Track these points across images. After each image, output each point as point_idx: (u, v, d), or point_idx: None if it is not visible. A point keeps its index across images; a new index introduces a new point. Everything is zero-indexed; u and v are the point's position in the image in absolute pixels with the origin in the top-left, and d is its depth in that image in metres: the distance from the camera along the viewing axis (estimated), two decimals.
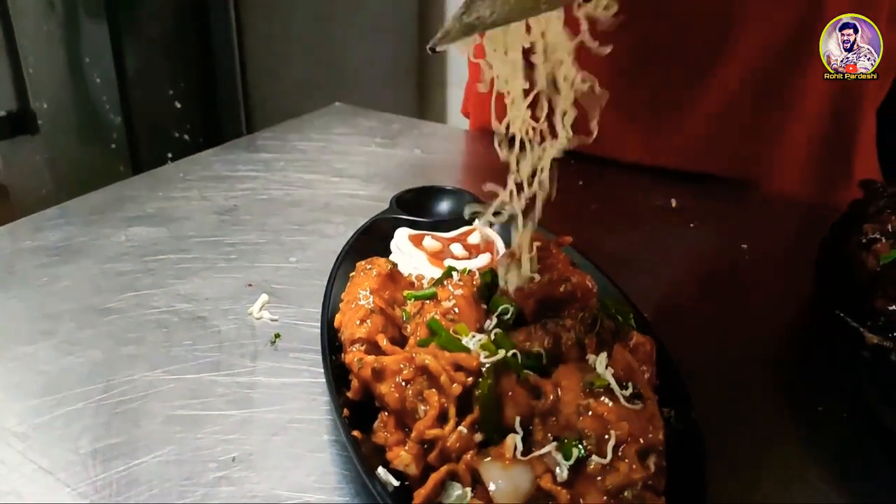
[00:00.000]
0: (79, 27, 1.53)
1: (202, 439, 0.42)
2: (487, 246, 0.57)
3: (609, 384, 0.36)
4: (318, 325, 0.52)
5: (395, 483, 0.36)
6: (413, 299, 0.46)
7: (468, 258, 0.55)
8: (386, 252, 0.57)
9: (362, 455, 0.36)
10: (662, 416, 0.37)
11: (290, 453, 0.41)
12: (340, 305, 0.46)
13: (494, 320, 0.44)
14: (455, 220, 0.60)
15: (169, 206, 0.70)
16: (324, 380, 0.46)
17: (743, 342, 0.53)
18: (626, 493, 0.32)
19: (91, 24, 1.50)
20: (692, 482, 0.35)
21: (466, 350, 0.38)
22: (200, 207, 0.70)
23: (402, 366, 0.39)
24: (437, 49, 0.34)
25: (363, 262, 0.49)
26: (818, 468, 0.41)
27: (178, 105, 1.50)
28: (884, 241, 0.53)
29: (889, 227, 0.54)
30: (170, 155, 1.53)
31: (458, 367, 0.37)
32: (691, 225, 0.71)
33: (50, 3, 1.53)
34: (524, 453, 0.34)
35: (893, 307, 0.49)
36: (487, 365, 0.37)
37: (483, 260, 0.55)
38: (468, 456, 0.35)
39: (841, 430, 0.45)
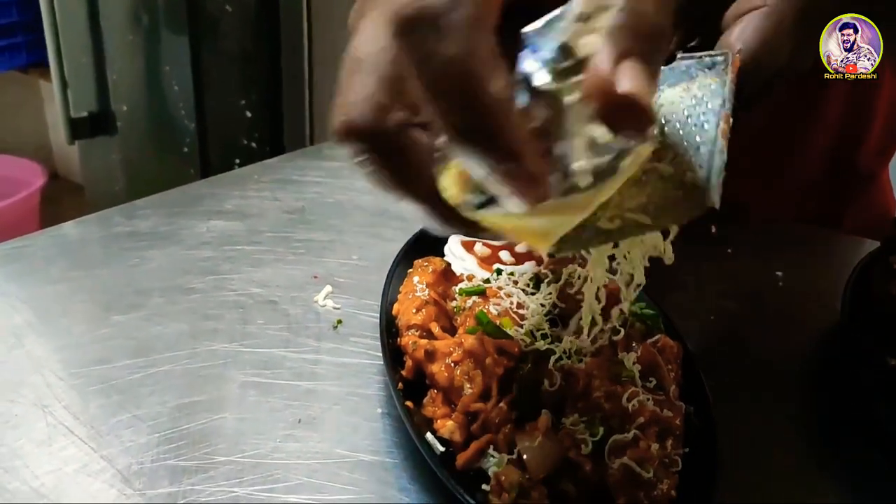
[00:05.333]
0: (161, 38, 1.64)
1: (272, 403, 0.48)
2: (533, 255, 0.62)
3: (635, 375, 0.41)
4: (376, 314, 0.57)
5: (441, 448, 0.41)
6: (464, 294, 0.51)
7: (514, 265, 0.60)
8: (439, 255, 0.62)
9: (413, 422, 0.42)
10: (683, 410, 0.41)
11: (347, 421, 0.47)
12: (399, 296, 0.52)
13: (536, 318, 0.49)
14: None
15: (244, 203, 0.77)
16: (379, 362, 0.52)
17: (765, 356, 0.57)
18: (644, 468, 0.36)
19: (173, 36, 1.61)
20: (705, 470, 0.40)
21: (509, 337, 0.43)
22: (272, 206, 0.77)
23: (451, 349, 0.44)
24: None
25: (420, 260, 0.55)
26: (827, 478, 0.45)
27: (249, 114, 1.59)
28: None
29: None
30: (237, 161, 1.62)
31: (502, 352, 0.43)
32: (728, 251, 0.75)
33: (137, 16, 1.64)
34: (555, 429, 0.39)
35: None
36: (527, 351, 0.42)
37: (528, 266, 0.60)
38: (506, 429, 0.40)
39: (849, 441, 0.48)
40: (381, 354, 0.53)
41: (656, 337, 0.45)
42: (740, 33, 0.33)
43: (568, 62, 0.25)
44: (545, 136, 0.26)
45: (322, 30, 1.56)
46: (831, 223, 0.84)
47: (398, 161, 0.29)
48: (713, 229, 0.78)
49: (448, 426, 0.41)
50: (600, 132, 0.25)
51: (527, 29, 0.26)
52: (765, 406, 0.51)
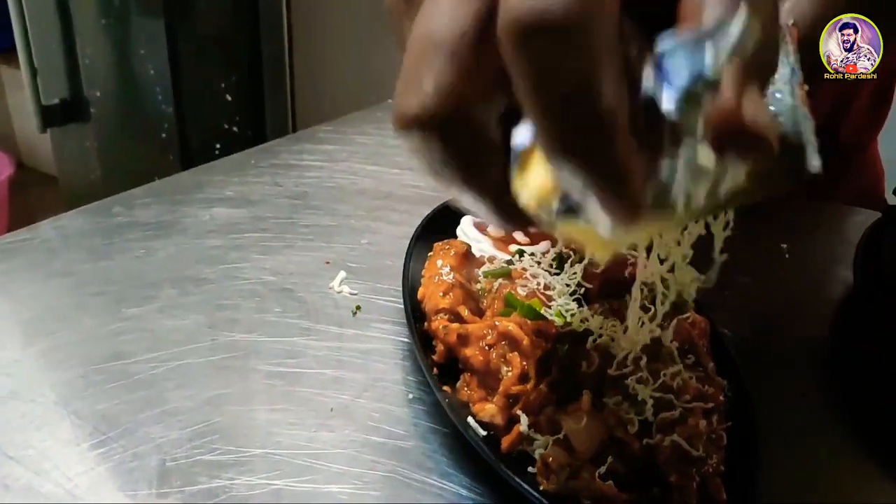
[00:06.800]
0: (135, 20, 1.60)
1: (301, 393, 0.47)
2: (547, 234, 0.62)
3: (674, 353, 0.41)
4: (394, 299, 0.57)
5: (482, 432, 0.41)
6: (489, 277, 0.51)
7: (530, 244, 0.60)
8: (451, 237, 0.62)
9: (454, 406, 0.41)
10: (722, 385, 0.41)
11: (379, 408, 0.46)
12: (422, 280, 0.51)
13: (563, 298, 0.49)
14: None
15: (245, 189, 0.76)
16: (403, 346, 0.52)
17: (785, 328, 0.58)
18: (693, 445, 0.36)
19: (147, 18, 1.57)
20: (746, 444, 0.40)
21: (545, 319, 0.43)
22: (274, 192, 0.76)
23: (485, 332, 0.44)
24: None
25: (440, 244, 0.54)
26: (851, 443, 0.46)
27: (229, 97, 1.56)
28: None
29: None
30: (218, 146, 1.60)
31: (539, 334, 0.42)
32: (731, 224, 0.75)
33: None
34: (598, 409, 0.39)
35: None
36: (564, 332, 0.42)
37: (544, 246, 0.60)
38: (548, 410, 0.40)
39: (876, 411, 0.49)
40: (404, 340, 0.53)
41: (687, 314, 0.46)
42: (793, 6, 0.33)
43: (699, 86, 0.23)
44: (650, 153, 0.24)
45: (301, 8, 1.53)
46: (822, 195, 0.85)
47: (469, 156, 0.26)
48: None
49: (488, 409, 0.41)
50: (706, 157, 0.24)
51: (662, 46, 0.24)
52: (793, 377, 0.52)
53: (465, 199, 0.28)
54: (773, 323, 0.59)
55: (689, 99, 0.23)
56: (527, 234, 0.62)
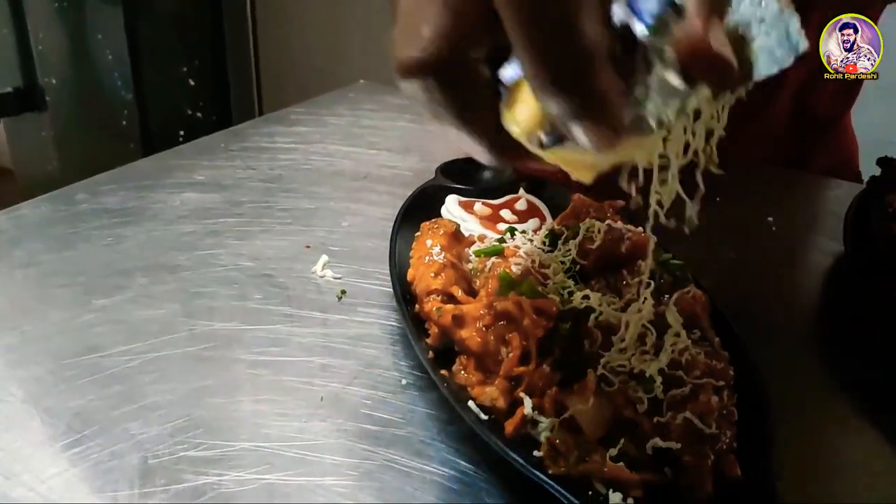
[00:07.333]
0: (90, 3, 1.54)
1: (288, 381, 0.45)
2: (535, 211, 0.60)
3: (679, 328, 0.39)
4: (381, 282, 0.55)
5: (484, 417, 0.39)
6: (482, 255, 0.49)
7: (518, 223, 0.58)
8: (436, 217, 0.60)
9: (452, 390, 0.39)
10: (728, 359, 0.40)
11: (371, 395, 0.44)
12: (411, 261, 0.49)
13: (559, 276, 0.47)
14: (499, 189, 0.63)
15: (216, 174, 0.72)
16: (393, 330, 0.50)
17: (777, 300, 0.57)
18: (706, 422, 0.35)
19: (103, 1, 1.51)
20: (756, 418, 0.39)
21: (546, 297, 0.41)
22: (247, 176, 0.72)
23: (482, 312, 0.42)
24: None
25: (428, 223, 0.52)
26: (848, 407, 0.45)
27: (192, 82, 1.51)
28: None
29: None
30: (182, 133, 1.55)
31: (539, 313, 0.41)
32: (717, 199, 0.74)
33: None
34: (604, 388, 0.38)
35: None
36: (565, 310, 0.40)
37: (533, 224, 0.58)
38: (552, 391, 0.38)
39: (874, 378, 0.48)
40: (393, 324, 0.51)
41: (687, 288, 0.44)
42: None
43: (667, 13, 0.26)
44: (624, 80, 0.27)
45: None
46: (798, 165, 0.86)
47: (463, 95, 0.29)
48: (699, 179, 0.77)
49: (488, 393, 0.39)
50: (676, 79, 0.26)
51: None
52: (784, 348, 0.51)
53: (461, 137, 0.30)
54: (763, 296, 0.58)
55: (659, 25, 0.26)
56: (513, 211, 0.60)
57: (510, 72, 0.29)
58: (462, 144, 0.31)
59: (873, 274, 0.55)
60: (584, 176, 0.33)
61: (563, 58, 0.25)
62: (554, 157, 0.31)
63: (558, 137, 0.29)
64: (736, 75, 0.26)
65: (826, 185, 0.81)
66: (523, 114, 0.29)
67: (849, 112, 0.91)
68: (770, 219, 0.70)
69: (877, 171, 0.67)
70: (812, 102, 0.85)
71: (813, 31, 0.81)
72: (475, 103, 0.29)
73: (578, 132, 0.27)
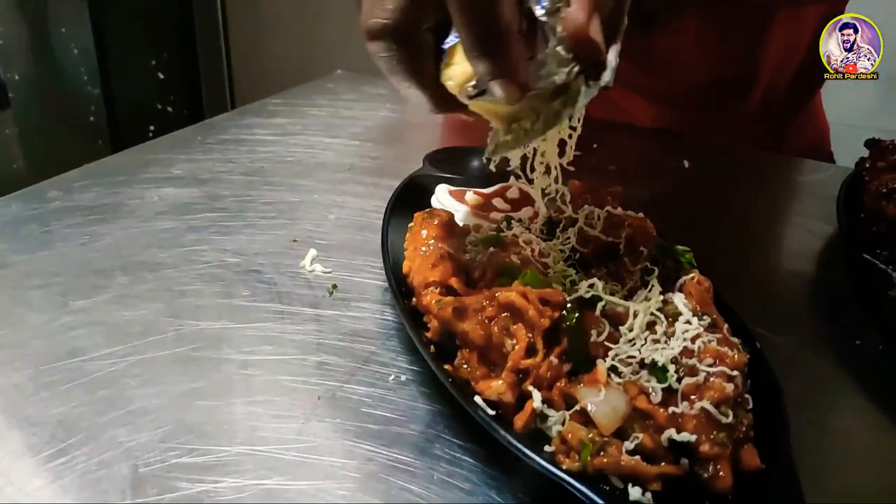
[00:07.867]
0: None
1: (283, 381, 0.43)
2: (527, 199, 0.59)
3: (688, 315, 0.38)
4: (373, 275, 0.53)
5: (491, 412, 0.37)
6: (480, 244, 0.47)
7: (511, 211, 0.57)
8: (426, 207, 0.58)
9: (457, 385, 0.38)
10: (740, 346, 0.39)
11: (370, 393, 0.42)
12: (406, 253, 0.47)
13: (560, 265, 0.46)
14: (488, 177, 0.62)
15: (194, 168, 0.70)
16: (389, 325, 0.48)
17: (774, 281, 0.56)
18: (721, 409, 0.34)
19: None
20: (768, 404, 0.38)
21: (550, 286, 0.40)
22: (227, 169, 0.70)
23: (484, 304, 0.40)
24: (493, 160, 0.43)
25: (421, 213, 0.50)
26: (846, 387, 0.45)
27: (161, 76, 1.47)
28: None
29: None
30: (152, 128, 1.51)
31: (544, 303, 0.39)
32: (704, 187, 0.74)
33: None
34: (614, 378, 0.36)
35: None
36: (571, 299, 0.39)
37: (527, 212, 0.56)
38: (560, 383, 0.37)
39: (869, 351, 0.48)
40: (389, 318, 0.49)
41: (691, 275, 0.43)
42: None
43: (559, 3, 0.35)
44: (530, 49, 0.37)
45: None
46: (771, 147, 0.86)
47: (413, 55, 0.38)
48: (686, 164, 0.77)
49: (495, 387, 0.38)
50: (563, 51, 0.36)
51: None
52: (795, 330, 0.50)
53: (410, 91, 0.40)
54: (760, 279, 0.57)
55: (553, 9, 0.36)
56: (506, 200, 0.59)
57: (449, 40, 0.39)
58: (410, 96, 0.40)
59: (869, 250, 0.55)
60: (502, 124, 0.41)
61: (487, 32, 0.35)
62: (477, 107, 0.40)
63: (482, 91, 0.38)
64: (602, 56, 0.36)
65: (802, 167, 0.81)
66: (456, 71, 0.39)
67: (819, 93, 0.91)
68: (760, 203, 0.70)
69: (851, 154, 0.67)
70: (786, 86, 0.85)
71: (810, 29, 0.81)
72: (423, 62, 0.39)
73: (496, 87, 0.36)
